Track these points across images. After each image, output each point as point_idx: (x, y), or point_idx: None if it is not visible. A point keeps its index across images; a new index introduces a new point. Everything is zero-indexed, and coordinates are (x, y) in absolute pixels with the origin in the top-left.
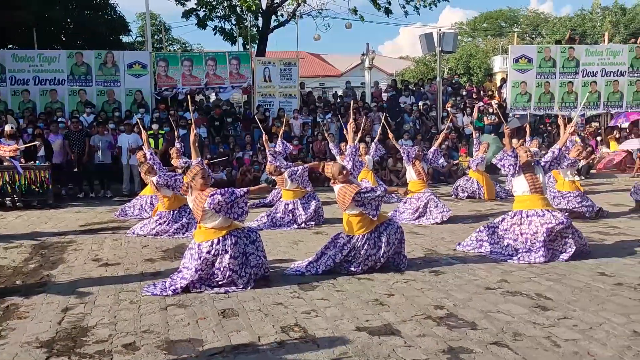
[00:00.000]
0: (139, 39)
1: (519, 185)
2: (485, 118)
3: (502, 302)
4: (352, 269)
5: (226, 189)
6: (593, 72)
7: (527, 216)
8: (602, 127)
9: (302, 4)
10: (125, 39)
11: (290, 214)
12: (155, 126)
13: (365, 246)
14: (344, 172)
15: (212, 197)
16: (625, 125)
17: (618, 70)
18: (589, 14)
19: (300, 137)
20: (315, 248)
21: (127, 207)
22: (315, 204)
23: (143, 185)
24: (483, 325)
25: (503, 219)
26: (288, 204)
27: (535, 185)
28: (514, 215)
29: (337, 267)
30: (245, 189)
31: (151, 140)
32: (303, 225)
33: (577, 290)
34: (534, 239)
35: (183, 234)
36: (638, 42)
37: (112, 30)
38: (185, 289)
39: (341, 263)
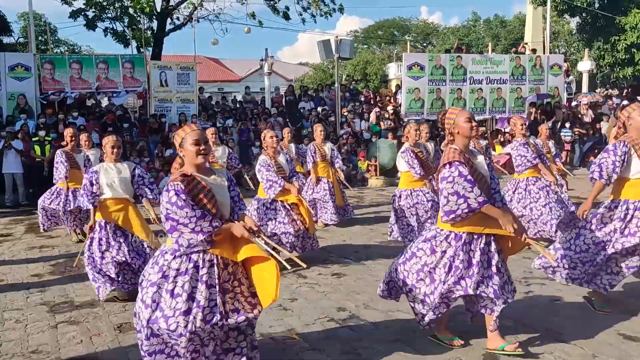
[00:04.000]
0: (22, 40)
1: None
2: (382, 123)
3: (402, 301)
4: None
5: None
6: (479, 79)
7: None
8: (488, 131)
9: (198, 8)
10: (6, 39)
11: None
12: (42, 132)
13: None
14: None
15: None
16: (508, 129)
17: (501, 79)
18: (473, 26)
19: None
20: None
21: None
22: None
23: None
24: (384, 325)
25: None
26: None
27: None
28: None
29: None
30: None
31: (37, 147)
32: None
33: None
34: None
35: None
36: (518, 50)
37: None
38: None
39: None
